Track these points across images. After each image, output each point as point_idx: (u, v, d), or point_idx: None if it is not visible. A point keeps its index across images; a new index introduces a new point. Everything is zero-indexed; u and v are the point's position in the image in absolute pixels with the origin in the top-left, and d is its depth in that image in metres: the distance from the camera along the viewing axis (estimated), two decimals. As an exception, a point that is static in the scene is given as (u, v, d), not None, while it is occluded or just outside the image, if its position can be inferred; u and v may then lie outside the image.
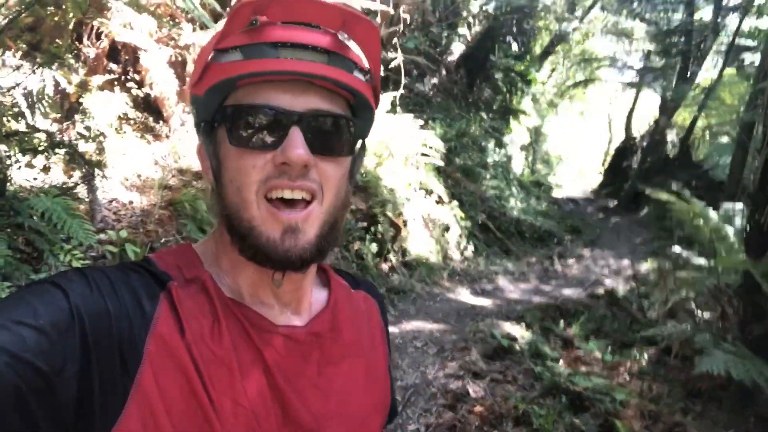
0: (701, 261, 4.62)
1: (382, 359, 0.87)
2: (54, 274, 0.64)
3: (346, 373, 0.77)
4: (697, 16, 15.08)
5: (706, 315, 4.76)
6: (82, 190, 3.87)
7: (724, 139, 13.29)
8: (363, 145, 0.79)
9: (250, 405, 0.65)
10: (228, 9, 5.91)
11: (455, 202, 8.94)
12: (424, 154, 8.24)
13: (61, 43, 4.34)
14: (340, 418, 0.74)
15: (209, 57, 0.69)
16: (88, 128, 4.12)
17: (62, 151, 3.61)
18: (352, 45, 0.71)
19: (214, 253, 0.75)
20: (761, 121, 4.10)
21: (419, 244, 7.40)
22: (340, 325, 0.80)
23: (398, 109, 8.56)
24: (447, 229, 8.34)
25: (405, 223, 7.07)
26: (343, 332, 0.80)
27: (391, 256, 6.68)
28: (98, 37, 4.82)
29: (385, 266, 6.49)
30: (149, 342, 0.61)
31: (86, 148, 4.08)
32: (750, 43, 12.64)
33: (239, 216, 0.67)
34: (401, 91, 8.92)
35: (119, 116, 4.68)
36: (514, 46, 14.48)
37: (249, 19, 0.66)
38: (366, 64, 0.73)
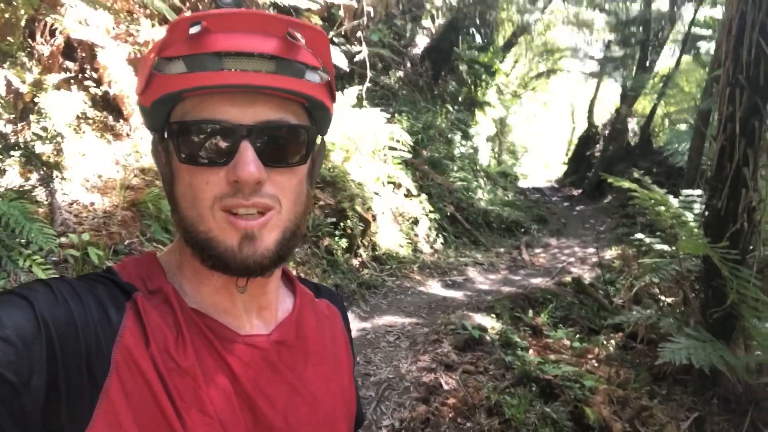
0: (664, 247, 4.73)
1: (347, 367, 0.88)
2: (18, 286, 0.62)
3: (313, 380, 0.77)
4: (654, 6, 15.43)
5: (670, 300, 4.89)
6: (40, 193, 3.75)
7: (683, 126, 13.63)
8: (322, 143, 0.78)
9: (217, 415, 0.65)
10: (187, 3, 5.80)
11: (424, 195, 8.97)
12: (391, 148, 8.24)
13: (12, 40, 4.18)
14: (311, 425, 0.74)
15: (152, 66, 0.66)
16: (44, 129, 4.00)
17: (18, 152, 3.50)
18: (301, 44, 0.68)
19: (177, 263, 0.73)
20: (716, 108, 4.20)
21: (389, 238, 7.41)
22: (305, 332, 0.80)
23: (365, 102, 8.53)
24: (416, 222, 8.37)
25: (374, 217, 7.06)
26: (308, 340, 0.80)
27: (362, 251, 6.68)
28: (52, 34, 4.66)
29: (355, 261, 6.48)
30: (116, 352, 0.61)
31: (43, 149, 3.96)
32: (705, 32, 12.99)
33: (196, 229, 0.66)
34: (367, 84, 8.88)
35: (77, 116, 4.53)
36: (478, 38, 14.59)
37: (189, 28, 0.64)
38: (319, 62, 0.71)
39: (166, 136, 0.68)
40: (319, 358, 0.80)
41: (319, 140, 0.76)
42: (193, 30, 0.64)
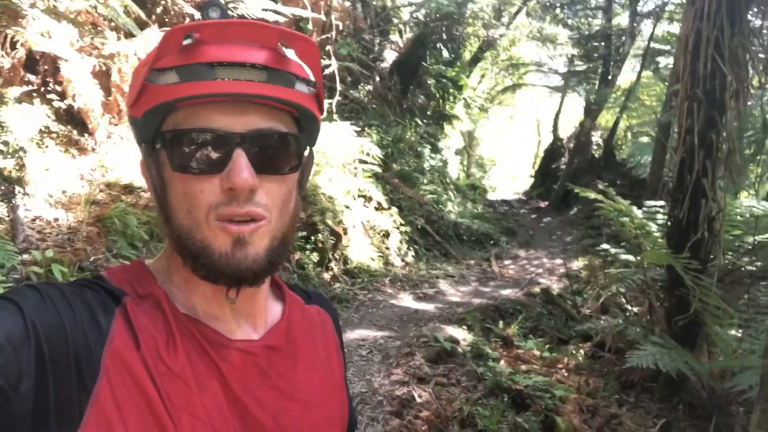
0: (629, 257, 4.84)
1: (338, 371, 0.88)
2: (6, 291, 0.62)
3: (304, 384, 0.78)
4: (614, 21, 15.89)
5: (636, 309, 5.00)
6: (1, 209, 3.65)
7: (645, 139, 14.02)
8: (310, 154, 0.79)
9: (208, 419, 0.65)
10: (153, 17, 5.74)
11: (394, 208, 9.00)
12: (361, 161, 8.26)
13: (-28, 53, 4.08)
14: (302, 429, 0.75)
15: (144, 77, 0.66)
16: (5, 143, 3.90)
17: (-23, 168, 3.40)
18: (291, 55, 0.70)
19: (166, 271, 0.74)
20: (676, 122, 4.35)
21: (360, 251, 7.40)
22: (295, 337, 0.80)
23: (335, 116, 8.54)
24: (387, 235, 8.38)
25: (345, 230, 7.05)
26: (298, 345, 0.80)
27: (333, 265, 6.65)
28: (13, 46, 4.56)
29: (327, 275, 6.45)
30: (106, 357, 0.61)
31: (4, 164, 3.85)
32: (664, 47, 13.42)
33: (191, 237, 0.66)
34: (337, 98, 8.91)
35: (40, 130, 4.43)
36: (445, 53, 14.77)
37: (183, 39, 0.65)
38: (308, 73, 0.72)
39: (158, 146, 0.68)
40: (310, 362, 0.81)
41: (307, 151, 0.76)
42: (187, 41, 0.65)
